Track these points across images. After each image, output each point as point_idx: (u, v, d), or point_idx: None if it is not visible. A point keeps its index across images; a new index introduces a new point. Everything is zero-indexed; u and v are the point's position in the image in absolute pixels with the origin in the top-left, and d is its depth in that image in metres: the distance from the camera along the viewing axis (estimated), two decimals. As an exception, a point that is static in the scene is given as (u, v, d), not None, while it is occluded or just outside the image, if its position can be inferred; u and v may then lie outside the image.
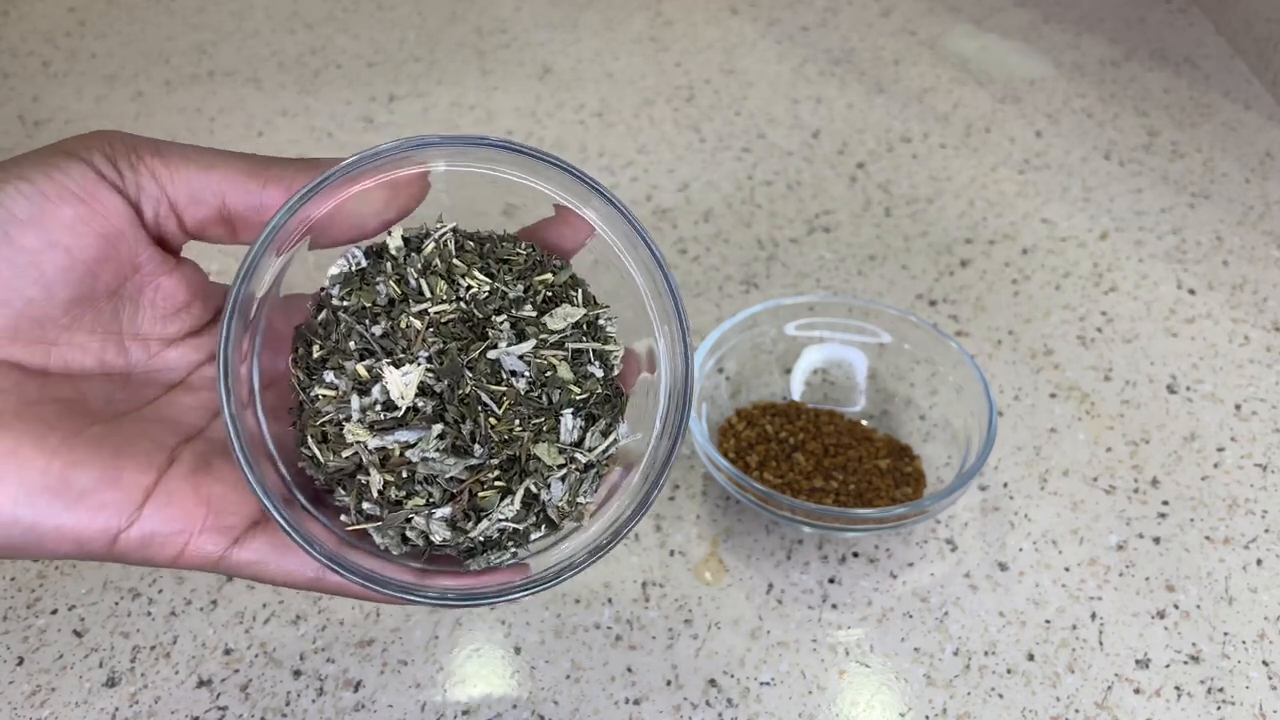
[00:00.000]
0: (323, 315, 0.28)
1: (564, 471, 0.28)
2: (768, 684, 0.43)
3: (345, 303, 0.28)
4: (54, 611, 0.45)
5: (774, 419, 0.51)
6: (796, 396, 0.54)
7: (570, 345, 0.28)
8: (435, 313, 0.27)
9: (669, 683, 0.43)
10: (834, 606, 0.46)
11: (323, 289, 0.29)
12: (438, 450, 0.26)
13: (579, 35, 0.86)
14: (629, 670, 0.43)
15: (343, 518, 0.28)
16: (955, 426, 0.50)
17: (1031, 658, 0.44)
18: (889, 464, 0.50)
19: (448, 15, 0.89)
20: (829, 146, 0.74)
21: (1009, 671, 0.43)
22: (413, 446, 0.26)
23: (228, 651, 0.43)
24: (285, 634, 0.44)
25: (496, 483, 0.27)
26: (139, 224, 0.26)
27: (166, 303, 0.28)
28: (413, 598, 0.26)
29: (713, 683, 0.43)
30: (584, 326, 0.29)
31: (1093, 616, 0.45)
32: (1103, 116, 0.78)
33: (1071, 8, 0.92)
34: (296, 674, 0.43)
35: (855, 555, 0.48)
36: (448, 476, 0.26)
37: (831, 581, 0.47)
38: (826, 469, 0.49)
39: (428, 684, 0.42)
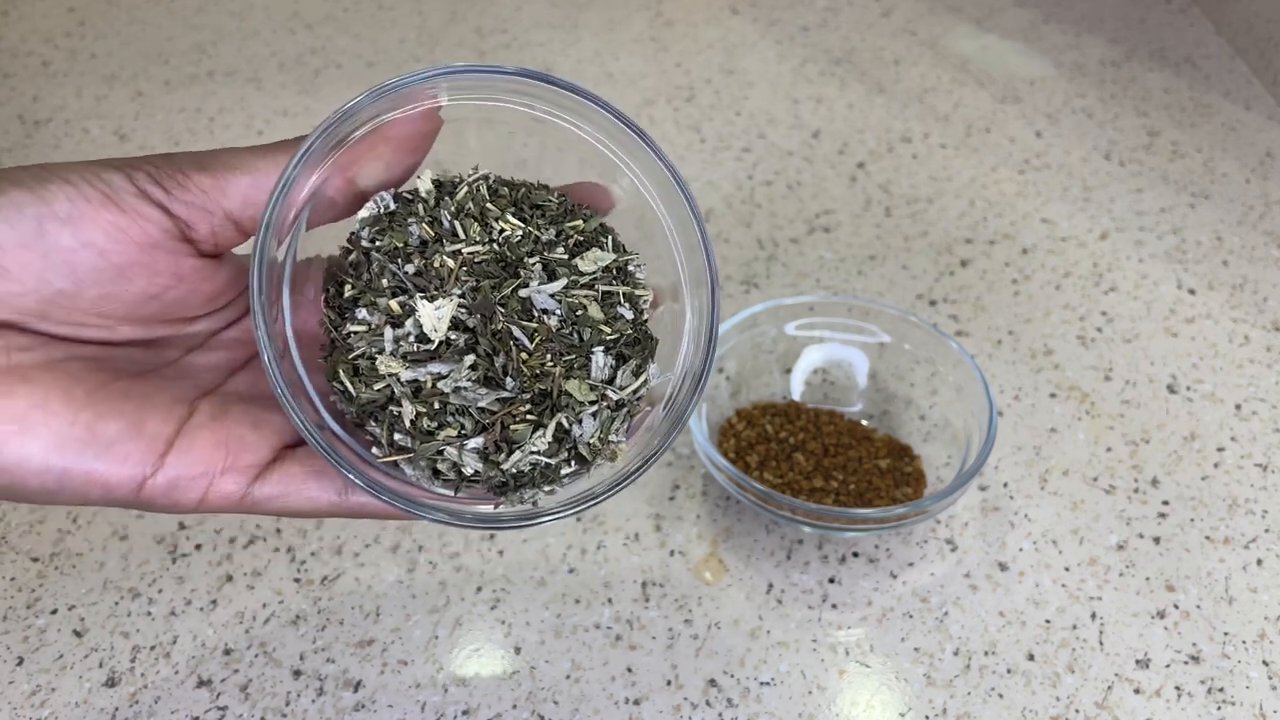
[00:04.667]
0: (354, 256, 0.29)
1: (595, 408, 0.28)
2: (768, 684, 0.43)
3: (377, 243, 0.28)
4: (54, 611, 0.45)
5: (774, 419, 0.51)
6: (796, 396, 0.54)
7: (600, 287, 0.29)
8: (468, 253, 0.28)
9: (669, 683, 0.43)
10: (834, 606, 0.46)
11: (353, 232, 0.29)
12: (470, 381, 0.27)
13: (579, 35, 0.86)
14: (629, 670, 0.43)
15: (374, 450, 0.28)
16: (955, 426, 0.50)
17: (1031, 658, 0.44)
18: (889, 464, 0.50)
19: (448, 15, 0.89)
20: (829, 146, 0.74)
21: (1009, 671, 0.43)
22: (445, 378, 0.26)
23: (228, 651, 0.43)
24: (285, 634, 0.44)
25: (528, 416, 0.27)
26: (183, 239, 0.27)
27: (204, 298, 0.29)
28: (433, 516, 0.27)
29: (713, 683, 0.43)
30: (614, 271, 0.30)
31: (1093, 616, 0.45)
32: (1103, 116, 0.78)
33: (1071, 8, 0.92)
34: (296, 674, 0.43)
35: (855, 555, 0.48)
36: (479, 406, 0.27)
37: (831, 581, 0.47)
38: (826, 469, 0.49)
39: (428, 684, 0.42)
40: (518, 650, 0.44)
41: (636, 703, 0.42)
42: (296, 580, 0.46)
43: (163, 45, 0.84)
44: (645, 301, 0.30)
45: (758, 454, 0.50)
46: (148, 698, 0.42)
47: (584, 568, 0.47)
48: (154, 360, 0.29)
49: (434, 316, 0.27)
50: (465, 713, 0.41)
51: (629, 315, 0.29)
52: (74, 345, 0.27)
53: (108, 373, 0.27)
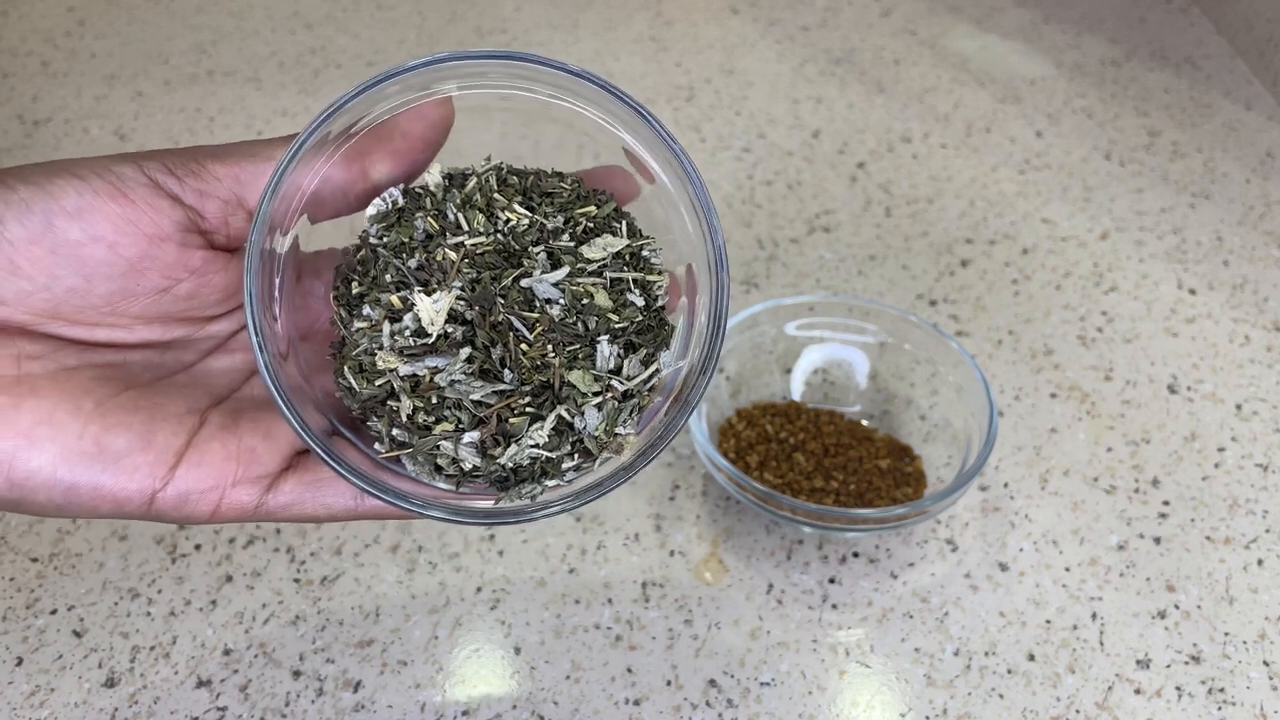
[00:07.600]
0: (361, 253, 0.29)
1: (600, 400, 0.27)
2: (768, 684, 0.43)
3: (384, 239, 0.28)
4: (53, 611, 0.45)
5: (774, 419, 0.51)
6: (796, 396, 0.54)
7: (609, 274, 0.28)
8: (471, 244, 0.27)
9: (669, 683, 0.43)
10: (834, 606, 0.46)
11: (363, 230, 0.29)
12: (464, 373, 0.26)
13: (579, 35, 0.86)
14: (629, 670, 0.43)
15: (376, 446, 0.28)
16: (955, 426, 0.50)
17: (1032, 658, 0.44)
18: (889, 464, 0.50)
19: (448, 15, 0.89)
20: (829, 146, 0.74)
21: (1009, 672, 0.43)
22: (441, 371, 0.26)
23: (227, 652, 0.43)
24: (285, 634, 0.44)
25: (527, 408, 0.27)
26: (195, 230, 0.26)
27: (219, 293, 0.28)
28: (431, 513, 0.26)
29: (713, 683, 0.43)
30: (626, 257, 0.29)
31: (1093, 617, 0.45)
32: (1103, 116, 0.78)
33: (1071, 8, 0.92)
34: (296, 674, 0.43)
35: (855, 555, 0.48)
36: (473, 399, 0.26)
37: (831, 581, 0.47)
38: (826, 469, 0.49)
39: (428, 684, 0.42)
40: (517, 651, 0.44)
41: (636, 703, 0.42)
42: (296, 580, 0.46)
43: (163, 45, 0.84)
44: (660, 288, 0.29)
45: (758, 454, 0.49)
46: (147, 698, 0.42)
47: (584, 568, 0.47)
48: (170, 363, 0.28)
49: (431, 309, 0.26)
50: (465, 713, 0.41)
51: (640, 302, 0.28)
52: (87, 350, 0.27)
53: (119, 382, 0.26)
